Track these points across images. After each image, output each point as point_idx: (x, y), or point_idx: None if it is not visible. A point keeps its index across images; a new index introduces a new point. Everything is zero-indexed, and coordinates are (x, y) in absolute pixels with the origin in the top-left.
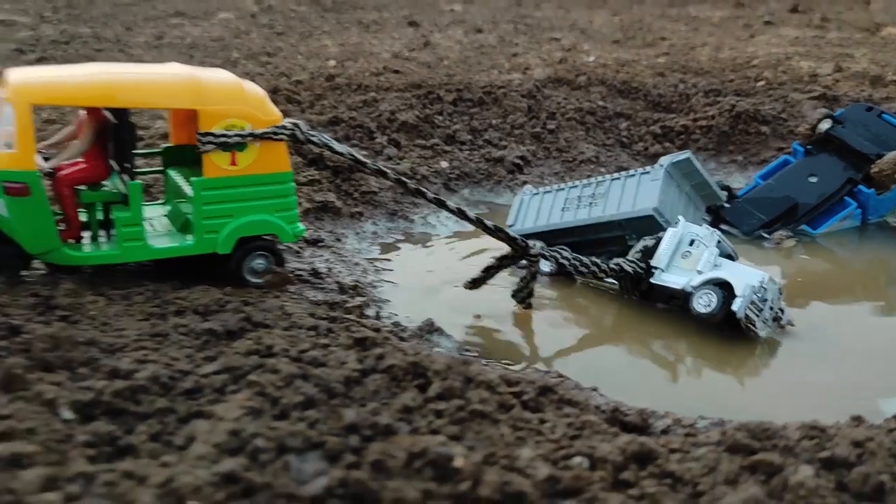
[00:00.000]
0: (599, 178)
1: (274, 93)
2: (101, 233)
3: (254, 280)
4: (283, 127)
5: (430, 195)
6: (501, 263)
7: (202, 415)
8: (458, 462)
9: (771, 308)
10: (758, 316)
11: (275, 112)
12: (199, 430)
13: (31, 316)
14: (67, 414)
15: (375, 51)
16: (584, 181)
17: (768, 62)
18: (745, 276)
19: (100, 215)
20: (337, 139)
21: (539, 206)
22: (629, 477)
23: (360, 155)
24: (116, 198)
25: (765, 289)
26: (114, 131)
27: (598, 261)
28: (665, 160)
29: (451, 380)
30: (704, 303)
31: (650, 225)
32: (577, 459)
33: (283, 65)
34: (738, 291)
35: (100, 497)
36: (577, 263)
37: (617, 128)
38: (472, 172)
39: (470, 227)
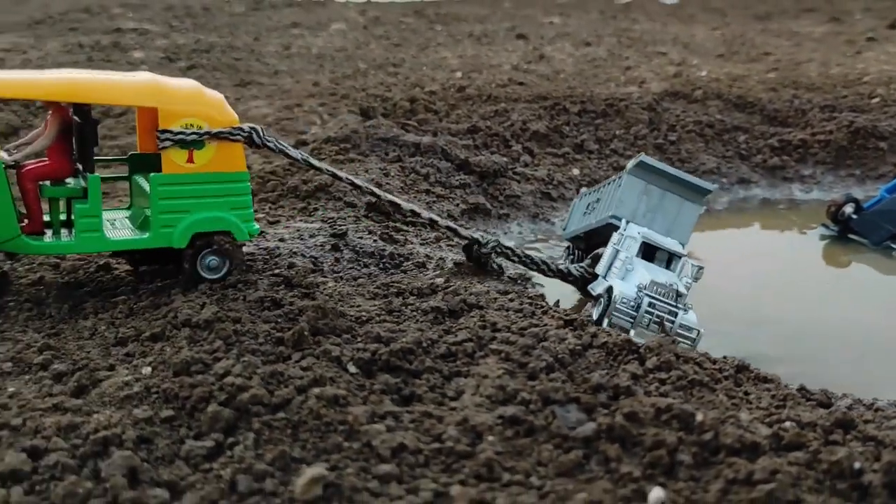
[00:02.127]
0: (601, 184)
1: (412, 102)
2: (64, 231)
3: (209, 276)
4: (241, 129)
5: (386, 196)
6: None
7: (461, 374)
8: (700, 417)
9: (649, 314)
10: (631, 324)
11: (232, 114)
12: (466, 385)
13: (283, 292)
14: (353, 368)
15: (494, 63)
16: (596, 186)
17: (880, 79)
18: (629, 283)
19: (62, 216)
20: (476, 147)
21: (577, 211)
22: (837, 438)
23: (315, 160)
24: (78, 193)
25: (645, 296)
26: (77, 130)
27: (547, 260)
28: (629, 164)
29: (665, 355)
30: (596, 311)
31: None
32: (788, 424)
33: (412, 76)
34: (610, 300)
35: (411, 430)
36: (528, 261)
37: (735, 140)
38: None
39: None
